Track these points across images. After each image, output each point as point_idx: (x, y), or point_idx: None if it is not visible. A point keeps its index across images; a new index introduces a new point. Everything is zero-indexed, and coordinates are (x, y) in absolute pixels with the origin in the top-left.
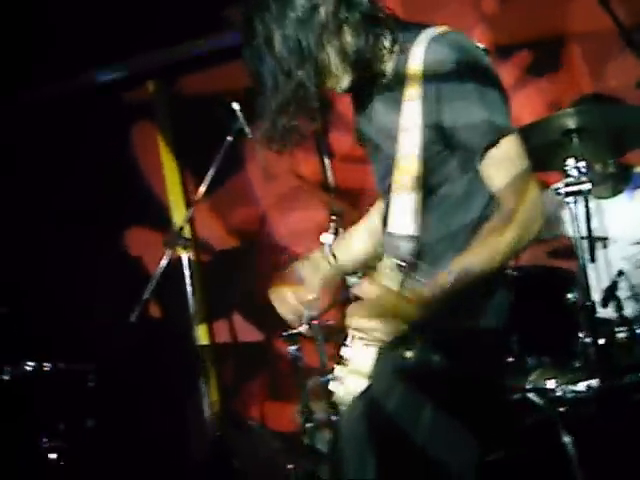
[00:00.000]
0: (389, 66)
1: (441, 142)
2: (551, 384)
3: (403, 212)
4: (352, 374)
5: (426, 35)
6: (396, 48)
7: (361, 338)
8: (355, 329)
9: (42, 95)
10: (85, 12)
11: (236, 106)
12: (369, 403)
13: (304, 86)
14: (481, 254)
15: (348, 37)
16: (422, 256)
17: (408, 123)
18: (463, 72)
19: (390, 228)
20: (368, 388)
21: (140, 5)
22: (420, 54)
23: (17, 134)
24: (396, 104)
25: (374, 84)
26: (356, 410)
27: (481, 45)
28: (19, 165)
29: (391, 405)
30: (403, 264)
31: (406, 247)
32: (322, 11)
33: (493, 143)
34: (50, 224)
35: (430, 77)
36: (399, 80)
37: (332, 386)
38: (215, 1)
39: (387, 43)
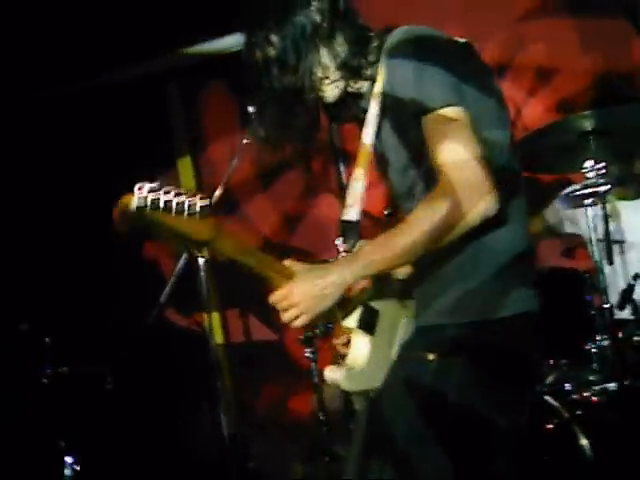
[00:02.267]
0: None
1: (394, 130)
2: (568, 387)
3: (353, 199)
4: (350, 367)
5: (391, 36)
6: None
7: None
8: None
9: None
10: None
11: (251, 109)
12: (404, 382)
13: (301, 79)
14: (401, 233)
15: (340, 44)
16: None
17: (371, 116)
18: (410, 57)
19: (343, 216)
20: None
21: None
22: (385, 54)
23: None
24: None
25: (360, 102)
26: (393, 387)
27: (456, 38)
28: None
29: (427, 379)
30: (345, 250)
31: (351, 233)
32: (317, 18)
33: (424, 114)
34: (65, 225)
35: (387, 72)
36: (372, 87)
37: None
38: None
39: (371, 57)
